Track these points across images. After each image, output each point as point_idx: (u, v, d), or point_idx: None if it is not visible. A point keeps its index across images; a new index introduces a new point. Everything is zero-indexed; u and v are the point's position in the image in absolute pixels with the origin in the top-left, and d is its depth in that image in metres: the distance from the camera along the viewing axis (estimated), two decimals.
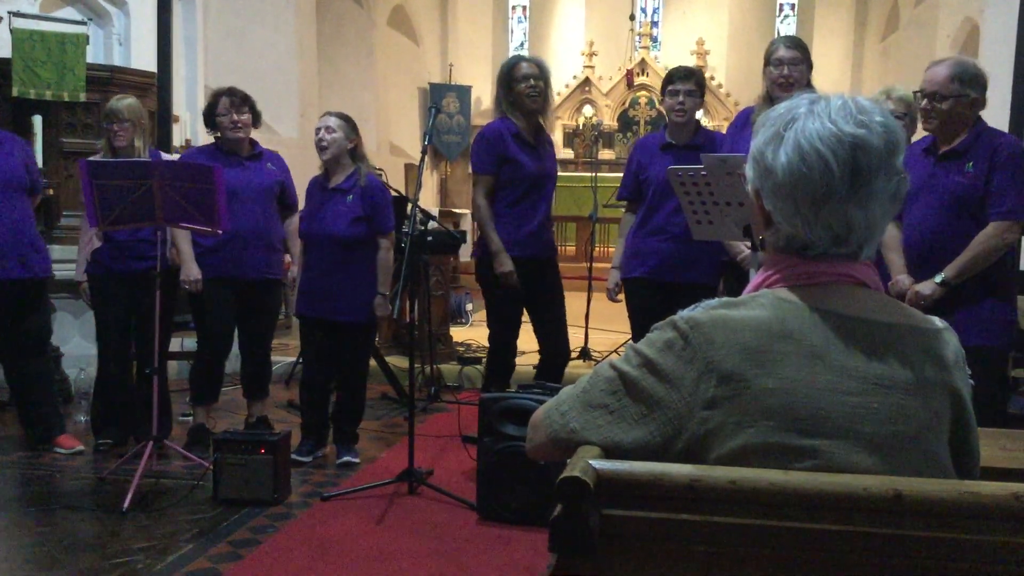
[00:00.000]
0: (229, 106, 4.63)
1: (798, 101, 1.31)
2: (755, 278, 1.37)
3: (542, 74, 4.54)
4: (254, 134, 4.85)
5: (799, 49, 4.00)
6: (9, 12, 6.09)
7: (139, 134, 4.62)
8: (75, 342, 6.03)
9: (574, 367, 6.44)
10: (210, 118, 4.72)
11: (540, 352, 4.73)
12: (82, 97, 6.00)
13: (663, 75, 4.93)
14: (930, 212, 3.49)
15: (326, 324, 4.55)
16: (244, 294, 4.70)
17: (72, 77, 6.00)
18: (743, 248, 4.01)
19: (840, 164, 1.25)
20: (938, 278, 3.44)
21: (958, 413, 1.32)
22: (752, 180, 1.34)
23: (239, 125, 4.64)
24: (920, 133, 3.90)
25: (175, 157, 5.08)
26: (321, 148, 4.52)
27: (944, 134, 3.49)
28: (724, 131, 4.98)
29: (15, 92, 5.84)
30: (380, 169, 5.41)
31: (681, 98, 4.35)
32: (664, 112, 4.59)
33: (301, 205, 4.86)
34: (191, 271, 4.55)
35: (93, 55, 6.62)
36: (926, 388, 1.27)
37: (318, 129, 4.55)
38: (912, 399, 1.25)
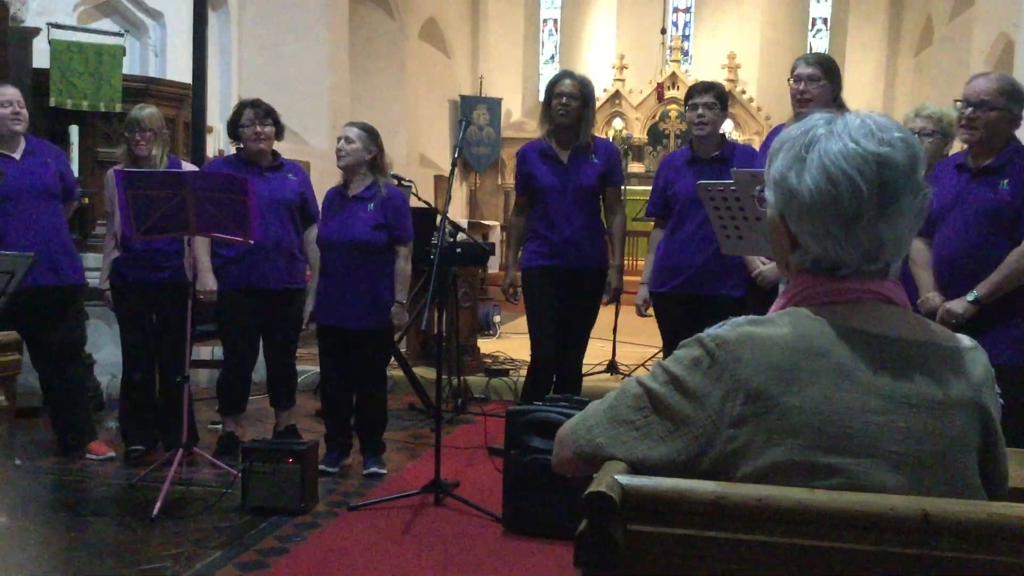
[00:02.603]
0: (252, 118, 4.69)
1: (813, 122, 1.31)
2: (780, 297, 1.37)
3: (580, 93, 4.62)
4: (279, 145, 4.90)
5: (819, 66, 3.96)
6: (48, 24, 6.20)
7: (159, 143, 4.68)
8: (108, 349, 6.10)
9: (601, 381, 6.44)
10: (233, 128, 4.78)
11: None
12: (118, 107, 6.09)
13: None
14: (962, 229, 3.44)
15: (343, 332, 4.58)
16: (267, 304, 4.74)
17: (108, 88, 6.10)
18: (759, 264, 4.03)
19: (868, 183, 1.24)
20: (970, 296, 3.38)
21: (987, 433, 1.30)
22: (775, 204, 1.34)
23: (262, 137, 4.70)
24: (955, 148, 3.87)
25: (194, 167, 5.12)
26: (338, 158, 4.57)
27: (981, 147, 3.44)
28: (753, 144, 4.99)
29: (53, 102, 5.94)
30: (410, 181, 5.45)
31: (700, 111, 4.37)
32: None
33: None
34: (207, 282, 4.60)
35: (129, 66, 6.73)
36: (954, 407, 1.26)
37: (339, 138, 4.60)
38: (939, 418, 1.24)
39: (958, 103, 3.52)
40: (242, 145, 4.77)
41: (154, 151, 4.65)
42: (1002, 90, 3.36)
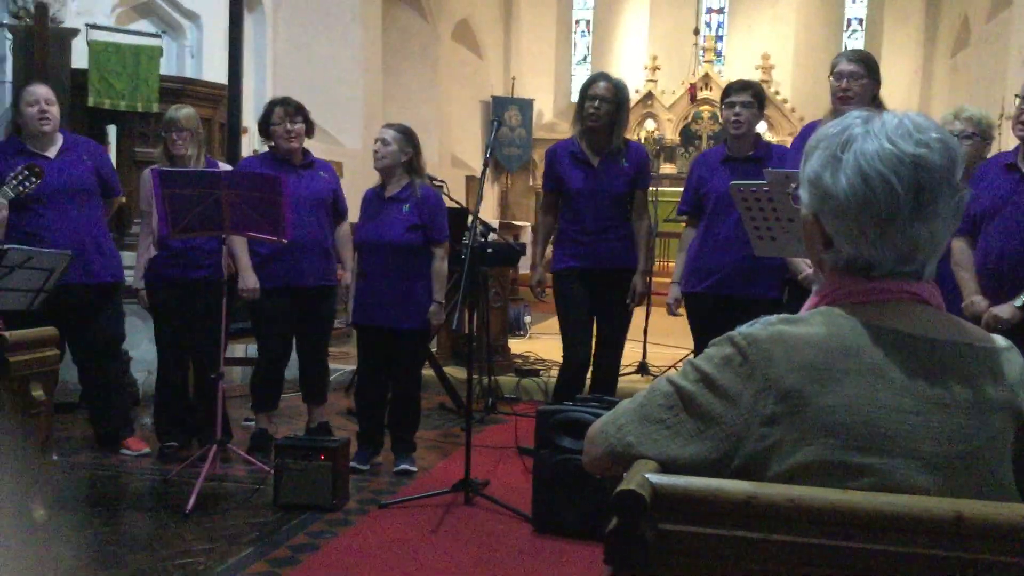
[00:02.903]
0: (283, 115, 4.72)
1: (850, 121, 1.30)
2: (813, 296, 1.36)
3: (615, 97, 4.56)
4: (310, 144, 4.93)
5: (861, 63, 3.93)
6: (87, 24, 6.29)
7: (195, 143, 4.72)
8: (144, 347, 6.15)
9: (632, 381, 6.43)
10: (265, 127, 4.81)
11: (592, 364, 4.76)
12: (155, 108, 6.16)
13: None
14: (1011, 231, 3.37)
15: (383, 332, 4.60)
16: (301, 302, 4.77)
17: (146, 88, 6.17)
18: (805, 267, 3.96)
19: (904, 185, 1.24)
20: (1018, 302, 3.31)
21: (1022, 434, 1.29)
22: (809, 203, 1.33)
23: (293, 135, 4.72)
24: (993, 150, 3.81)
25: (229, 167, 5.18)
26: (376, 159, 4.60)
27: None
28: (786, 146, 4.94)
29: (91, 102, 6.02)
30: (442, 181, 5.47)
31: (737, 109, 4.34)
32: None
33: (353, 214, 4.93)
34: (248, 280, 4.63)
35: (166, 67, 6.80)
36: (988, 408, 1.25)
37: (376, 140, 4.62)
38: (974, 419, 1.24)
39: (1018, 98, 3.45)
40: (273, 144, 4.81)
41: (190, 151, 4.69)
42: None
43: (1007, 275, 3.38)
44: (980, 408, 1.24)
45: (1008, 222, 3.38)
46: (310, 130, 4.86)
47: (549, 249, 4.89)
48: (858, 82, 3.87)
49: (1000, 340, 1.33)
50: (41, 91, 4.65)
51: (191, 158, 4.69)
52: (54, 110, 4.65)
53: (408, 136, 4.60)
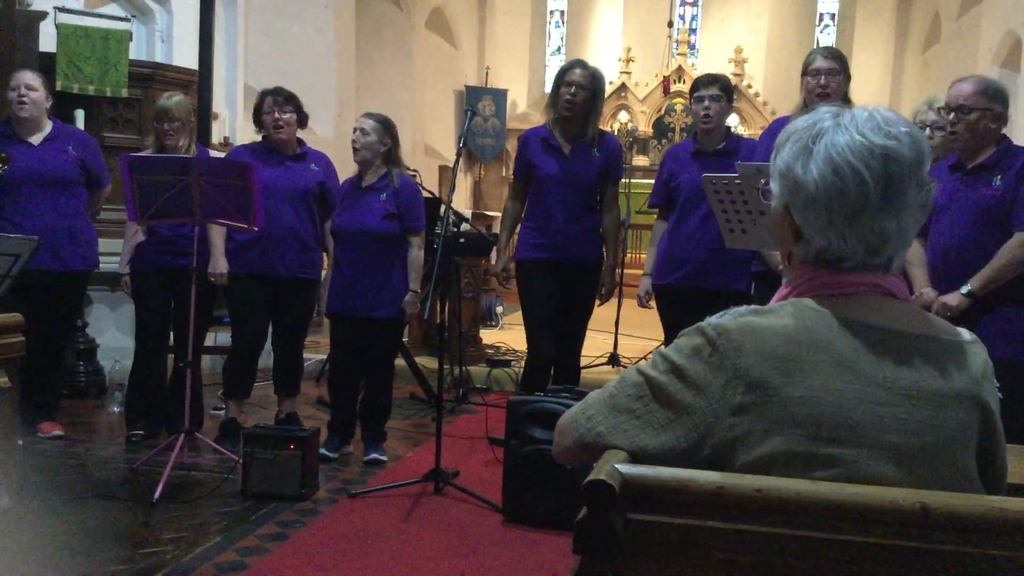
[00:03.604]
0: (273, 105, 4.69)
1: (820, 115, 1.32)
2: (781, 288, 1.37)
3: (591, 85, 4.52)
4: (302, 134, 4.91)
5: (837, 60, 3.99)
6: (55, 8, 6.20)
7: (186, 132, 4.69)
8: (110, 334, 6.12)
9: (603, 373, 6.45)
10: (257, 116, 4.79)
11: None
12: (124, 93, 6.09)
13: None
14: (956, 226, 3.51)
15: (357, 321, 4.59)
16: (278, 292, 4.74)
17: (115, 73, 6.10)
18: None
19: (873, 176, 1.25)
20: (964, 289, 3.44)
21: (986, 426, 1.31)
22: (780, 195, 1.34)
23: (282, 124, 4.69)
24: None
25: (222, 154, 5.16)
26: (354, 150, 4.58)
27: (969, 149, 3.52)
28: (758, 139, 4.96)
29: (59, 86, 5.94)
30: (414, 170, 5.44)
31: (706, 103, 4.35)
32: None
33: None
34: (218, 264, 4.61)
35: (136, 51, 6.73)
36: (954, 400, 1.27)
37: (354, 130, 4.60)
38: (940, 411, 1.25)
39: (942, 111, 3.58)
40: (265, 133, 4.78)
41: (182, 141, 4.67)
42: (978, 90, 3.44)
43: (954, 267, 3.51)
44: (945, 400, 1.26)
45: (955, 218, 3.51)
46: (302, 121, 4.83)
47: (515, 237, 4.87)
48: (835, 78, 3.93)
49: (965, 334, 1.35)
50: (24, 76, 4.72)
51: (183, 148, 4.66)
52: (34, 95, 4.70)
53: (387, 126, 4.60)
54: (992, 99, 3.44)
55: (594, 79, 4.55)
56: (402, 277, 4.58)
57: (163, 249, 4.71)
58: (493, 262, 8.68)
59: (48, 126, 4.80)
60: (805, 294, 1.32)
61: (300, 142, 4.86)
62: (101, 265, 5.08)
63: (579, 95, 4.49)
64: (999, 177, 3.45)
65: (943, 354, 1.29)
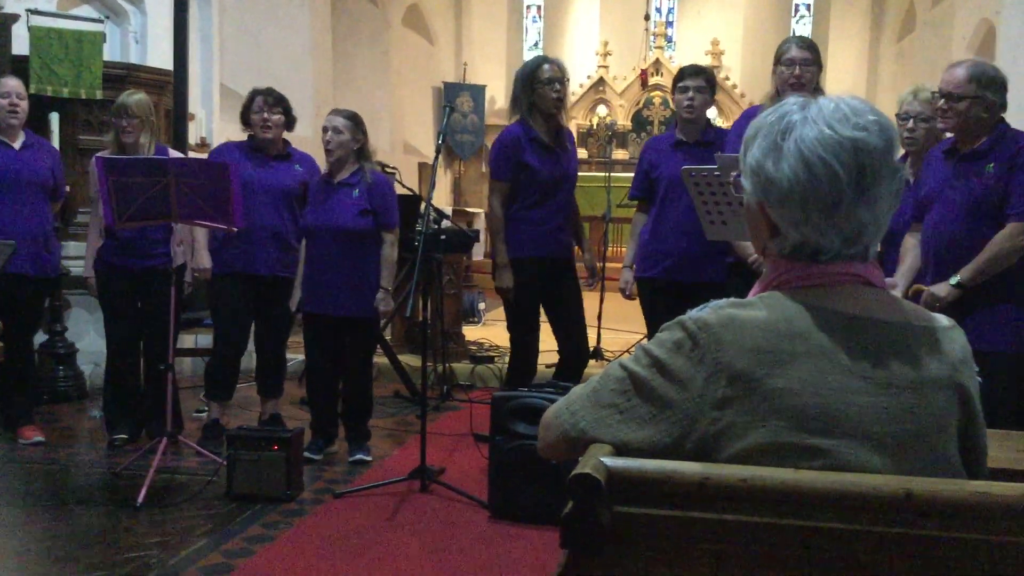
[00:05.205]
0: (262, 105, 4.69)
1: (787, 107, 1.31)
2: (759, 282, 1.37)
3: (566, 77, 4.54)
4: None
5: (811, 50, 3.99)
6: (27, 10, 6.13)
7: (147, 130, 4.66)
8: (90, 338, 6.06)
9: (586, 367, 6.45)
10: (245, 115, 4.78)
11: (559, 352, 4.73)
12: (99, 95, 6.03)
13: None
14: (948, 214, 3.44)
15: (329, 319, 4.57)
16: (259, 291, 4.73)
17: (89, 75, 6.04)
18: (752, 251, 3.98)
19: (845, 169, 1.25)
20: (953, 280, 3.37)
21: (966, 411, 1.32)
22: (753, 192, 1.34)
23: (269, 124, 4.69)
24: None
25: (192, 154, 5.13)
26: (328, 151, 4.54)
27: (962, 135, 3.44)
28: None
29: (32, 89, 5.87)
30: (394, 168, 5.42)
31: (691, 94, 4.37)
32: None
33: None
34: (202, 259, 4.61)
35: (110, 53, 6.66)
36: (934, 386, 1.27)
37: (325, 129, 4.56)
38: (920, 398, 1.26)
39: (935, 94, 3.53)
40: (252, 133, 4.77)
41: (142, 139, 4.64)
42: (971, 77, 3.34)
43: (945, 256, 3.46)
44: (925, 387, 1.26)
45: (946, 206, 3.46)
46: (291, 123, 4.84)
47: None
48: (809, 69, 3.94)
49: (943, 319, 1.35)
50: (12, 84, 4.74)
51: (143, 146, 4.63)
52: (24, 104, 4.76)
53: (356, 122, 4.58)
54: (984, 87, 3.34)
55: (564, 70, 4.56)
56: (375, 275, 4.55)
57: (125, 251, 4.67)
58: (474, 259, 8.69)
59: (22, 133, 4.81)
60: (784, 286, 1.32)
61: (286, 143, 4.85)
62: (76, 269, 5.07)
63: (562, 90, 4.49)
64: (992, 164, 3.37)
65: (921, 340, 1.29)
